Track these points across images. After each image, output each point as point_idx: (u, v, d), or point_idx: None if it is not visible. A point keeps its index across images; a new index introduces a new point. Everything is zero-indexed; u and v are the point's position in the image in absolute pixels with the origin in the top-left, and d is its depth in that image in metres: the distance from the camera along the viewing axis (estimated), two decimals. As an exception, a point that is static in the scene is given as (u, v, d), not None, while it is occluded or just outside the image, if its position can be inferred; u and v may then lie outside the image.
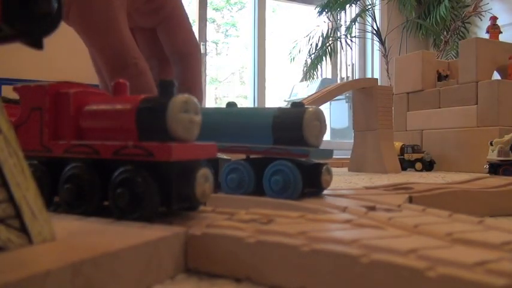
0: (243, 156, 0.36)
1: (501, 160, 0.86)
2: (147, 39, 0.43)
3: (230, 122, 0.36)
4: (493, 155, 0.88)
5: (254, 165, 0.34)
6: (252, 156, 0.36)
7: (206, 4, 2.28)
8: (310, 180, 0.33)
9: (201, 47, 2.23)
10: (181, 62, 0.43)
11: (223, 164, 0.35)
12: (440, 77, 1.47)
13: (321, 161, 0.34)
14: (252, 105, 2.30)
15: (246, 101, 2.59)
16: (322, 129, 0.33)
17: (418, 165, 1.30)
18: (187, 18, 0.44)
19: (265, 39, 2.41)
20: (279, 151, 0.33)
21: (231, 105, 0.38)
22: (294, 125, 0.33)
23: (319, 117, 0.33)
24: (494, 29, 1.58)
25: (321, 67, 2.65)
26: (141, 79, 0.34)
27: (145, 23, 0.42)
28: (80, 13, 0.35)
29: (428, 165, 1.30)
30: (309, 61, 2.59)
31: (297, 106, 0.34)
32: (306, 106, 0.33)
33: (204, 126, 0.36)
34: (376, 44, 2.66)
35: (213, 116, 0.37)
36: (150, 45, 0.43)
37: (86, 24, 0.35)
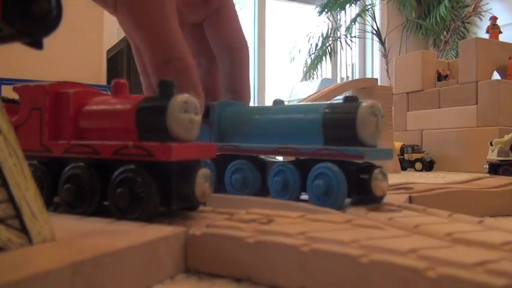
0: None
1: (501, 160, 0.86)
2: (194, 35, 0.41)
3: (276, 120, 0.33)
4: (492, 155, 0.88)
5: (300, 167, 0.30)
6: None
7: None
8: (359, 186, 0.28)
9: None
10: (228, 59, 0.40)
11: (270, 167, 0.33)
12: (440, 77, 1.47)
13: (375, 163, 0.30)
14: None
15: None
16: (379, 125, 0.29)
17: (418, 165, 1.30)
18: (236, 12, 0.41)
19: (265, 39, 2.41)
20: (330, 152, 0.29)
21: (278, 102, 0.35)
22: (346, 122, 0.29)
23: (376, 112, 0.29)
24: (494, 29, 1.57)
25: (321, 67, 2.65)
26: (186, 75, 0.32)
27: (194, 17, 0.40)
28: (129, 1, 0.33)
29: (428, 165, 1.30)
30: (309, 61, 2.59)
31: (350, 100, 0.29)
32: (360, 100, 0.29)
33: (250, 126, 0.35)
34: (376, 44, 2.66)
35: (258, 115, 0.35)
36: (198, 42, 0.41)
37: (134, 13, 0.33)
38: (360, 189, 0.28)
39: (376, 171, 0.28)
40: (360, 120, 0.28)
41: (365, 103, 0.29)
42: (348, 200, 0.29)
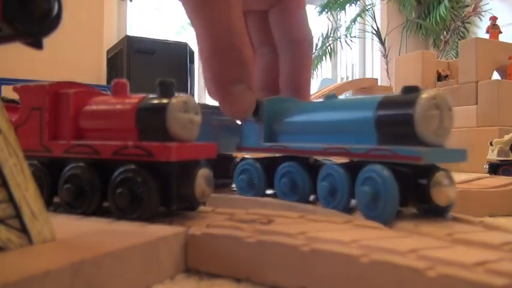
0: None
1: (501, 160, 0.86)
2: (258, 24, 0.38)
3: (326, 117, 0.29)
4: (492, 155, 0.88)
5: (351, 171, 0.26)
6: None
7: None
8: (417, 194, 0.24)
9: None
10: (290, 51, 0.37)
11: (320, 169, 0.29)
12: (440, 77, 1.47)
13: (439, 165, 0.25)
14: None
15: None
16: (444, 120, 0.24)
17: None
18: (304, 3, 0.38)
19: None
20: (381, 153, 0.25)
21: (330, 97, 0.31)
22: (402, 117, 0.24)
23: (440, 104, 0.24)
24: (494, 29, 1.58)
25: (321, 67, 2.65)
26: (242, 67, 0.29)
27: (259, 5, 0.37)
28: None
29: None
30: (309, 61, 2.59)
31: (409, 91, 0.25)
32: (421, 90, 0.25)
33: (299, 124, 0.31)
34: (376, 44, 2.66)
35: (308, 111, 0.31)
36: (261, 32, 0.38)
37: None
38: (418, 198, 0.24)
39: (439, 174, 0.23)
40: (419, 114, 0.23)
41: (425, 94, 0.24)
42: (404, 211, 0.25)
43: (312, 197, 0.31)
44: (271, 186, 0.32)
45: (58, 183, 0.25)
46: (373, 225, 0.21)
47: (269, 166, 0.33)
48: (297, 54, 0.37)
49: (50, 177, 0.26)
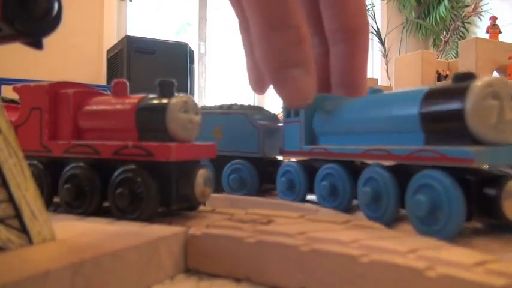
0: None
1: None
2: (307, 10, 0.34)
3: (368, 115, 0.26)
4: None
5: (397, 174, 0.23)
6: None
7: (206, 4, 2.28)
8: (484, 207, 0.20)
9: (201, 47, 2.23)
10: (343, 41, 0.32)
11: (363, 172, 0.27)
12: (440, 77, 1.47)
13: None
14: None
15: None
16: (506, 112, 0.20)
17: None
18: None
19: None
20: (427, 155, 0.21)
21: (375, 91, 0.28)
22: (451, 110, 0.20)
23: (500, 93, 0.19)
24: (494, 29, 1.58)
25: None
26: (299, 47, 0.26)
27: None
28: None
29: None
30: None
31: (462, 78, 0.21)
32: (476, 77, 0.20)
33: (340, 123, 0.28)
34: (376, 44, 2.66)
35: (348, 109, 0.28)
36: (311, 19, 0.34)
37: None
38: (485, 211, 0.20)
39: (509, 184, 0.19)
40: (471, 106, 0.19)
41: (480, 81, 0.20)
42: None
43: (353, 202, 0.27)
44: (312, 190, 0.30)
45: (58, 183, 0.25)
46: (373, 225, 0.21)
47: (310, 168, 0.30)
48: (352, 44, 0.32)
49: (49, 177, 0.26)
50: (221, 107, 0.40)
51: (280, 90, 0.26)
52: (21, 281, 0.13)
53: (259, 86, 0.35)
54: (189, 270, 0.20)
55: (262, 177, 0.37)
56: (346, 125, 0.28)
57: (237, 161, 0.37)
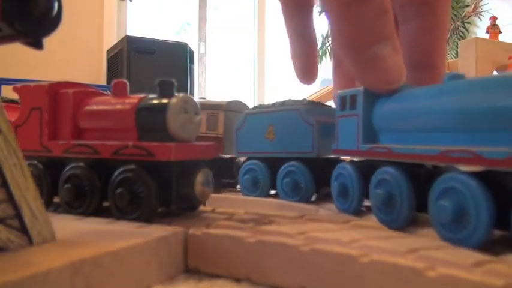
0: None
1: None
2: None
3: (445, 107, 0.20)
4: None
5: (488, 184, 0.18)
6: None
7: (206, 4, 2.28)
8: None
9: (201, 47, 2.23)
10: (419, 16, 0.28)
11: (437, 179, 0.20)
12: (440, 77, 1.47)
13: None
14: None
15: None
16: None
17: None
18: None
19: (265, 39, 2.42)
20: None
21: (455, 76, 0.21)
22: None
23: None
24: (494, 29, 1.58)
25: (321, 67, 2.65)
26: (382, 20, 0.22)
27: None
28: None
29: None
30: (309, 61, 2.59)
31: None
32: None
33: (407, 117, 0.23)
34: (376, 44, 2.65)
35: (419, 99, 0.22)
36: None
37: None
38: None
39: None
40: None
41: None
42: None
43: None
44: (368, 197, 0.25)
45: (58, 183, 0.25)
46: (373, 225, 0.21)
47: (366, 171, 0.26)
48: (429, 19, 0.28)
49: (49, 177, 0.26)
50: (274, 104, 0.36)
51: (367, 75, 0.23)
52: (21, 281, 0.13)
53: (306, 75, 0.32)
54: (189, 270, 0.20)
55: (319, 181, 0.32)
56: (416, 120, 0.22)
57: (291, 163, 0.34)
